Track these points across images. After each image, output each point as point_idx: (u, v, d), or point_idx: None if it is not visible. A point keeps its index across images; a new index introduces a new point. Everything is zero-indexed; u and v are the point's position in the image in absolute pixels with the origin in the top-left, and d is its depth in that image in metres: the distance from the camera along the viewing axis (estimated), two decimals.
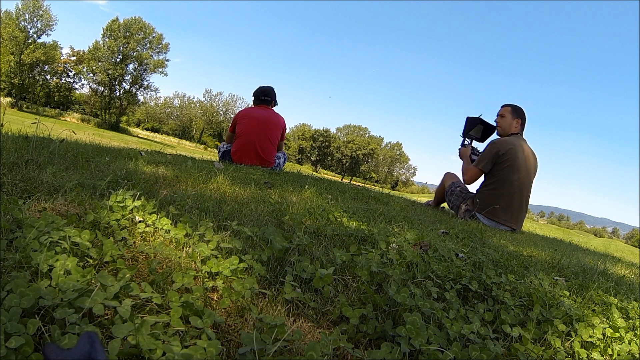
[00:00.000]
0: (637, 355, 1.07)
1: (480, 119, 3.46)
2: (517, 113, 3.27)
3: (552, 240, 3.48)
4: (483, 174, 3.27)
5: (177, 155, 3.47)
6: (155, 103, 60.01)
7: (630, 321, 1.24)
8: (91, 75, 46.03)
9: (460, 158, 3.55)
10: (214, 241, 1.13)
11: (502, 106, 3.34)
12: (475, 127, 3.50)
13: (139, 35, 45.26)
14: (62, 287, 0.75)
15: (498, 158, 3.13)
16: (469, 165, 3.37)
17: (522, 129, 3.30)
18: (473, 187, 3.47)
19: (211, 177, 2.17)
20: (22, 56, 42.31)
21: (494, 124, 3.40)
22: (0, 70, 39.88)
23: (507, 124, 3.27)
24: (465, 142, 3.62)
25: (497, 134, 3.36)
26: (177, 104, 62.25)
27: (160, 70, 46.87)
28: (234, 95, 64.17)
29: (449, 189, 3.54)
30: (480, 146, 3.60)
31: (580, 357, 1.04)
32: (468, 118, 3.54)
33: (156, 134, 55.30)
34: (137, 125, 58.59)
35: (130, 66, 46.03)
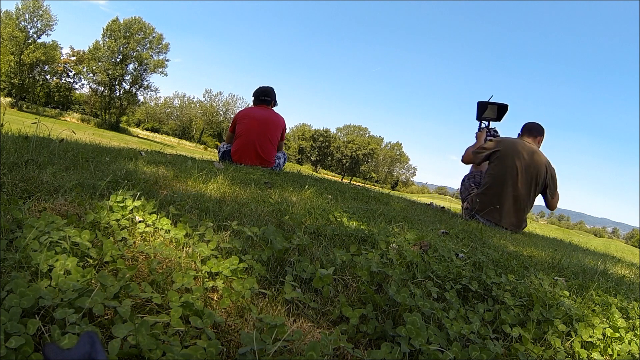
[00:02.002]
0: (637, 355, 1.07)
1: (489, 101, 3.57)
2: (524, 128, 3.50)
3: (552, 240, 3.48)
4: (477, 164, 3.41)
5: (177, 155, 3.47)
6: (155, 103, 60.01)
7: (630, 321, 1.24)
8: (91, 75, 46.01)
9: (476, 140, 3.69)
10: (214, 241, 1.13)
11: None
12: (487, 109, 3.61)
13: (139, 35, 45.24)
14: (62, 287, 0.76)
15: (492, 154, 3.22)
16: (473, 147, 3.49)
17: (524, 133, 3.35)
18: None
19: (211, 177, 2.17)
20: (22, 56, 42.29)
21: (506, 103, 3.55)
22: (0, 70, 39.86)
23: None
24: (482, 126, 3.72)
25: None
26: (177, 104, 62.25)
27: (160, 70, 46.86)
28: (234, 95, 64.17)
29: (464, 178, 3.66)
30: (498, 125, 3.74)
31: (580, 357, 1.04)
32: (478, 103, 3.63)
33: (156, 134, 55.27)
34: (137, 125, 58.55)
35: (130, 66, 46.03)
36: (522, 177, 3.10)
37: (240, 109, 4.29)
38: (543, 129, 3.33)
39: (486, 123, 3.70)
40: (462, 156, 3.55)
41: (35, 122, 2.49)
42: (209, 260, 1.04)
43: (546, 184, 3.19)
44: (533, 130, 3.32)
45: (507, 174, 3.10)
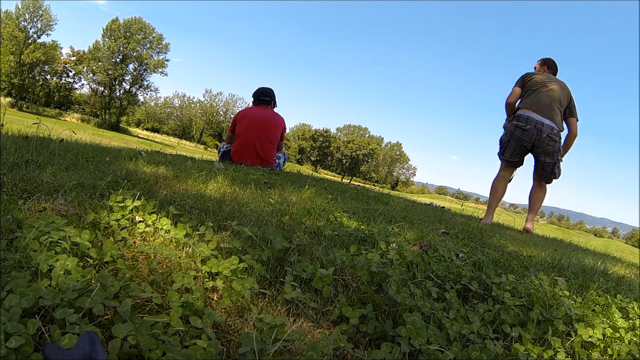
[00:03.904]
0: (637, 355, 1.07)
1: None
2: (544, 61, 3.77)
3: (552, 240, 3.48)
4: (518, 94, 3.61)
5: (177, 155, 3.47)
6: (155, 103, 59.95)
7: (630, 321, 1.24)
8: (91, 75, 45.93)
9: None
10: (214, 241, 1.13)
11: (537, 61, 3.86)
12: None
13: (139, 35, 45.20)
14: (62, 287, 0.76)
15: (524, 79, 3.57)
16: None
17: (552, 72, 3.69)
18: None
19: (211, 177, 2.17)
20: (22, 56, 42.25)
21: None
22: (0, 70, 39.85)
23: (536, 70, 3.76)
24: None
25: None
26: (177, 104, 62.21)
27: (160, 70, 46.80)
28: (234, 95, 64.12)
29: None
30: None
31: (580, 357, 1.04)
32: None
33: (156, 134, 55.23)
34: (137, 125, 58.53)
35: (130, 66, 45.97)
36: (558, 94, 3.42)
37: (240, 109, 4.29)
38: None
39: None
40: (508, 101, 3.66)
41: (37, 123, 2.49)
42: (209, 260, 1.04)
43: (570, 102, 3.49)
44: (552, 67, 3.68)
45: (540, 83, 3.45)
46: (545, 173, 3.48)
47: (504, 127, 3.70)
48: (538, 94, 3.42)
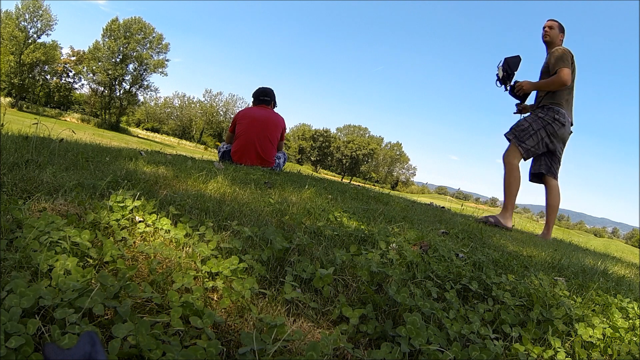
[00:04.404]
0: (637, 355, 1.07)
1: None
2: (562, 29, 3.54)
3: (552, 240, 3.48)
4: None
5: (177, 155, 3.47)
6: (155, 103, 60.03)
7: (630, 321, 1.24)
8: (91, 75, 45.96)
9: (536, 88, 3.50)
10: (214, 241, 1.13)
11: (550, 20, 3.57)
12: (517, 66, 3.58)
13: (139, 35, 45.22)
14: (62, 287, 0.75)
15: (572, 62, 3.35)
16: (558, 73, 3.27)
17: (562, 31, 3.57)
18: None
19: (211, 177, 2.17)
20: (22, 56, 42.28)
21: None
22: (0, 70, 39.85)
23: (555, 35, 3.50)
24: (512, 84, 3.57)
25: (544, 41, 3.51)
26: (177, 104, 62.30)
27: (160, 70, 46.83)
28: (234, 95, 64.18)
29: None
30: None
31: (580, 357, 1.04)
32: (507, 59, 3.58)
33: (156, 134, 55.28)
34: (137, 125, 58.59)
35: (130, 66, 45.99)
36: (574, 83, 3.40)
37: (240, 109, 4.29)
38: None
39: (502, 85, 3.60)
40: (564, 80, 3.25)
41: (36, 122, 2.49)
42: (209, 260, 1.04)
43: None
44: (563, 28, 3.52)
45: (574, 81, 3.37)
46: (557, 167, 3.48)
47: (511, 85, 3.47)
48: (572, 94, 3.38)
